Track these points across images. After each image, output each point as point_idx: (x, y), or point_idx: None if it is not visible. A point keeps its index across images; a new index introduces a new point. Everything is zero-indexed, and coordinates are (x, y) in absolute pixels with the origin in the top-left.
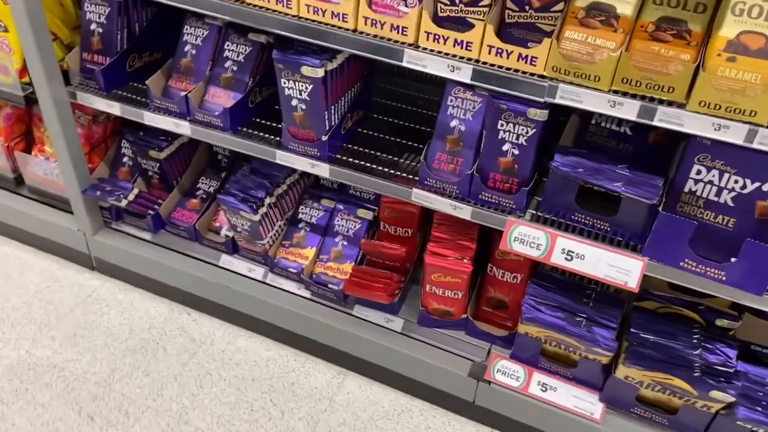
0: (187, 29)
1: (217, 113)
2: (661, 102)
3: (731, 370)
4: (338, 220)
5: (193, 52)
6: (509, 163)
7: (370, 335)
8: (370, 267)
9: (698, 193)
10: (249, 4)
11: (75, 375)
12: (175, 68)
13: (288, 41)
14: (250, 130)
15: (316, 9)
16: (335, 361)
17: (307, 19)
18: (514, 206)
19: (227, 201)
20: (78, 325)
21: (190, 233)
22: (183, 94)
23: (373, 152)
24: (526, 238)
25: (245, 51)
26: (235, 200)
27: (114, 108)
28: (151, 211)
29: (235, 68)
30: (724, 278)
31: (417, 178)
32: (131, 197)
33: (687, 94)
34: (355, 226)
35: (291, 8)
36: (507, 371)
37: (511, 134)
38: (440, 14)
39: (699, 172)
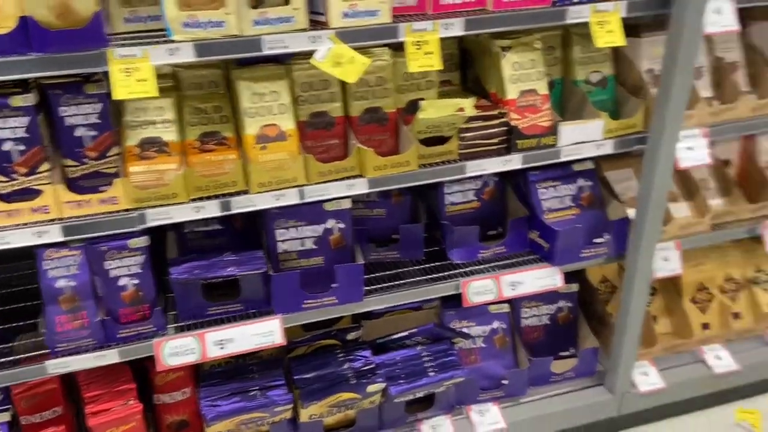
0: None
1: None
2: (231, 195)
3: (373, 365)
4: None
5: None
6: (133, 294)
7: None
8: None
9: (289, 250)
10: None
11: None
12: None
13: None
14: None
15: None
16: None
17: None
18: (155, 328)
19: None
20: None
21: None
22: None
23: None
24: (178, 349)
25: None
26: None
27: None
28: None
29: None
30: (336, 300)
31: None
32: None
33: (246, 182)
34: None
35: None
36: None
37: (123, 268)
38: (1, 192)
39: (282, 234)
